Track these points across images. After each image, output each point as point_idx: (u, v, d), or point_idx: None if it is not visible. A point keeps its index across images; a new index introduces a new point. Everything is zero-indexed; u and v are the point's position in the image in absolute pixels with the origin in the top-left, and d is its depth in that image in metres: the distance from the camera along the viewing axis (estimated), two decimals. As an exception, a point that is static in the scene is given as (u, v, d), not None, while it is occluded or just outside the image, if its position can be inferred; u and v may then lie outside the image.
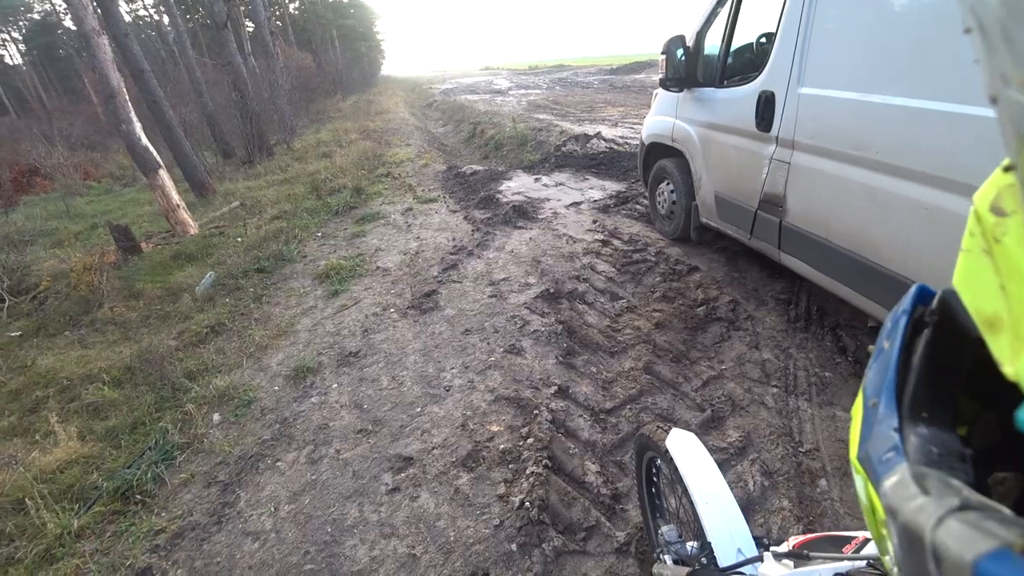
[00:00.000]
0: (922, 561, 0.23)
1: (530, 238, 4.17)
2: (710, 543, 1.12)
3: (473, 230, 4.44)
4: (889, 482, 0.28)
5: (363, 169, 7.01)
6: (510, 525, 1.89)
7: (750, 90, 2.97)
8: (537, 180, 5.81)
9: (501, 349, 2.81)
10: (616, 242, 4.09)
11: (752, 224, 3.07)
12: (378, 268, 4.00)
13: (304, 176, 7.20)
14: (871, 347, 0.40)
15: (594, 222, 4.49)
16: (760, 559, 0.94)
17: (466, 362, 2.76)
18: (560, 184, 5.68)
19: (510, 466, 2.11)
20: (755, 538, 1.14)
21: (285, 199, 6.28)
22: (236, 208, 6.45)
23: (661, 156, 4.06)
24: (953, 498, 0.24)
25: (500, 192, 5.36)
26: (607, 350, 2.81)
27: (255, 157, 8.91)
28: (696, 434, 2.15)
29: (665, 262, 3.74)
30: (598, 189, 5.49)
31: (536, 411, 2.34)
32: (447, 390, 2.58)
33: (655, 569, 1.34)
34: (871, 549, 0.75)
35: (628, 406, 2.41)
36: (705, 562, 1.17)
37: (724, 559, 1.09)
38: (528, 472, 2.04)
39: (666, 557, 1.36)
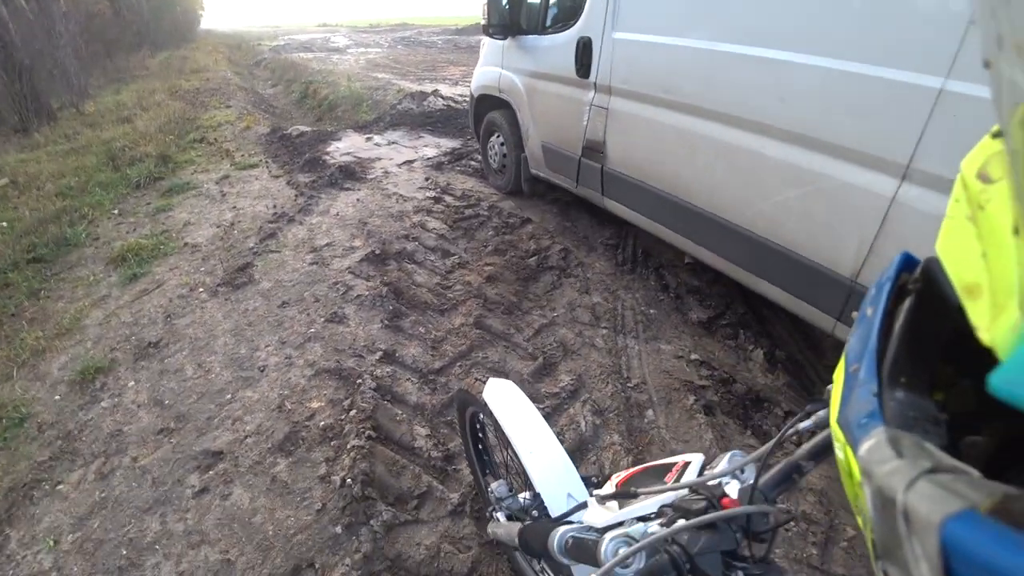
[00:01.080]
0: (893, 522, 0.23)
1: (357, 199, 3.84)
2: (539, 494, 1.05)
3: (296, 195, 3.98)
4: (866, 445, 0.28)
5: (172, 135, 5.96)
6: (333, 507, 1.72)
7: (570, 36, 2.90)
8: (369, 139, 5.39)
9: (322, 319, 2.55)
10: (448, 198, 3.93)
11: (577, 172, 3.09)
12: (186, 245, 3.43)
13: (97, 144, 5.95)
14: (854, 313, 0.38)
15: (426, 179, 4.27)
16: (585, 505, 0.88)
17: (283, 337, 2.46)
18: (393, 143, 5.32)
19: (332, 443, 1.92)
20: (584, 479, 1.08)
21: (72, 172, 5.14)
22: (5, 187, 5.16)
23: (491, 108, 3.92)
24: (925, 461, 0.24)
25: (328, 153, 4.88)
26: (436, 308, 2.68)
27: (31, 124, 7.16)
28: (514, 381, 2.12)
29: (498, 216, 3.67)
30: (433, 147, 5.23)
31: (359, 380, 2.16)
32: (261, 371, 2.28)
33: (489, 528, 1.26)
34: (690, 474, 0.73)
35: (458, 363, 2.32)
36: (536, 515, 1.11)
37: (555, 508, 1.03)
38: (349, 447, 1.87)
39: (499, 515, 1.28)
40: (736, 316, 2.68)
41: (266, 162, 4.85)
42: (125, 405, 2.20)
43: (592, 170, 2.96)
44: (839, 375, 0.37)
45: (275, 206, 3.83)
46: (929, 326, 0.33)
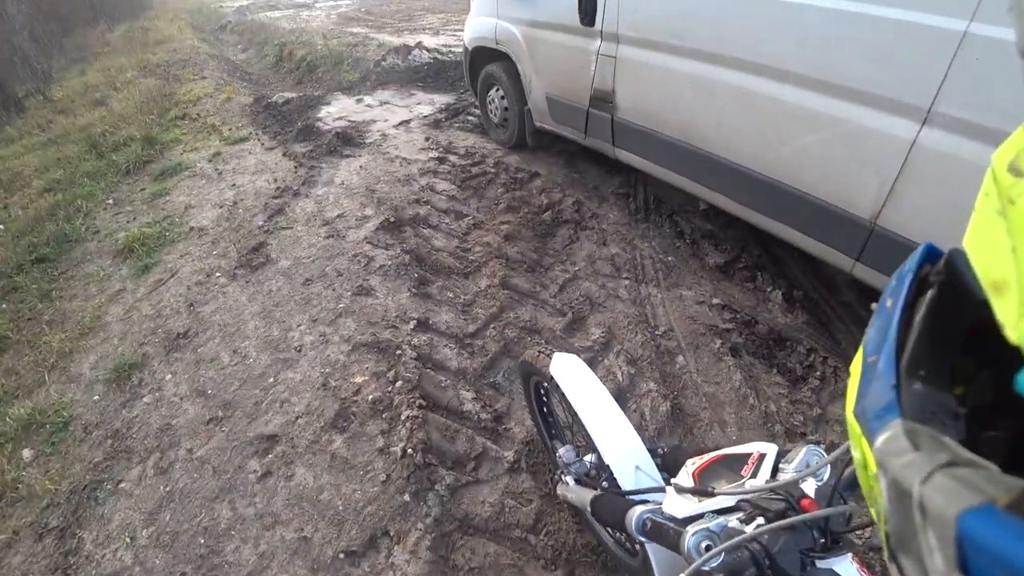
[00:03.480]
0: (909, 515, 0.23)
1: (360, 166, 3.70)
2: (608, 466, 1.07)
3: (296, 166, 3.84)
4: (882, 437, 0.28)
5: (152, 114, 5.67)
6: (397, 476, 1.75)
7: None
8: (359, 101, 5.15)
9: (349, 293, 2.50)
10: (452, 158, 3.79)
11: (585, 123, 2.98)
12: (192, 229, 3.33)
13: (75, 132, 5.68)
14: (874, 304, 0.38)
15: (427, 140, 4.10)
16: (662, 490, 0.90)
17: (313, 315, 2.42)
18: (385, 103, 5.09)
19: (384, 415, 1.93)
20: (650, 451, 1.11)
21: (56, 165, 4.93)
22: (-11, 187, 4.96)
23: (487, 61, 3.73)
24: (942, 454, 0.24)
25: (320, 120, 4.67)
26: (460, 272, 2.64)
27: (0, 117, 6.83)
28: (547, 338, 2.12)
29: (505, 172, 3.57)
30: (426, 104, 5.01)
31: (399, 351, 2.15)
32: (298, 351, 2.26)
33: (559, 490, 1.30)
34: (766, 467, 0.74)
35: (492, 325, 2.31)
36: (607, 486, 1.13)
37: (624, 481, 1.05)
38: (404, 417, 1.88)
39: (567, 478, 1.32)
40: (752, 259, 2.68)
41: (256, 134, 4.65)
42: (167, 399, 2.19)
43: (602, 120, 2.85)
44: (856, 366, 0.36)
45: (276, 180, 3.69)
46: (950, 319, 0.33)
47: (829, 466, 0.64)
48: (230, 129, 4.89)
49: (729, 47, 2.07)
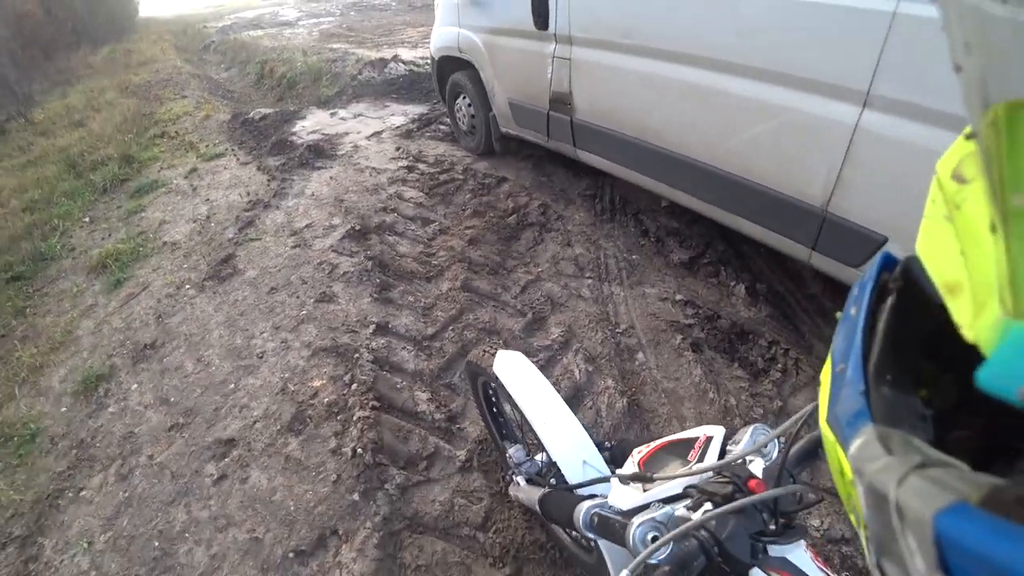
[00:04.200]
0: (888, 518, 0.23)
1: (331, 177, 3.76)
2: (555, 462, 1.07)
3: (268, 180, 3.89)
4: (856, 444, 0.28)
5: (130, 133, 5.73)
6: (347, 476, 1.78)
7: None
8: (334, 115, 5.23)
9: (312, 300, 2.55)
10: (422, 166, 3.86)
11: (547, 126, 3.04)
12: (165, 244, 3.37)
13: (55, 153, 5.73)
14: (838, 313, 0.39)
15: (397, 149, 4.17)
16: (607, 480, 0.88)
17: (276, 322, 2.47)
18: (359, 115, 5.16)
19: (338, 417, 1.97)
20: (597, 444, 1.10)
21: (34, 185, 4.97)
22: (-32, 208, 4.98)
23: (453, 69, 3.79)
24: (915, 456, 0.24)
25: (294, 134, 4.73)
26: (423, 276, 2.69)
27: (-18, 141, 6.86)
28: (505, 339, 2.16)
29: (473, 178, 3.63)
30: (400, 115, 5.09)
31: (356, 354, 2.19)
32: (260, 357, 2.30)
33: (511, 491, 1.30)
34: (713, 450, 0.72)
35: (451, 327, 2.35)
36: (555, 482, 1.13)
37: (572, 476, 1.04)
38: (356, 418, 1.92)
39: (518, 478, 1.31)
40: (717, 254, 2.71)
41: (232, 150, 4.71)
42: (132, 408, 2.22)
43: (561, 123, 2.91)
44: (826, 375, 0.37)
45: (249, 193, 3.75)
46: (911, 324, 0.33)
47: (777, 445, 0.63)
48: (207, 146, 4.95)
49: (675, 42, 2.11)
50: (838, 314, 0.41)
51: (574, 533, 1.43)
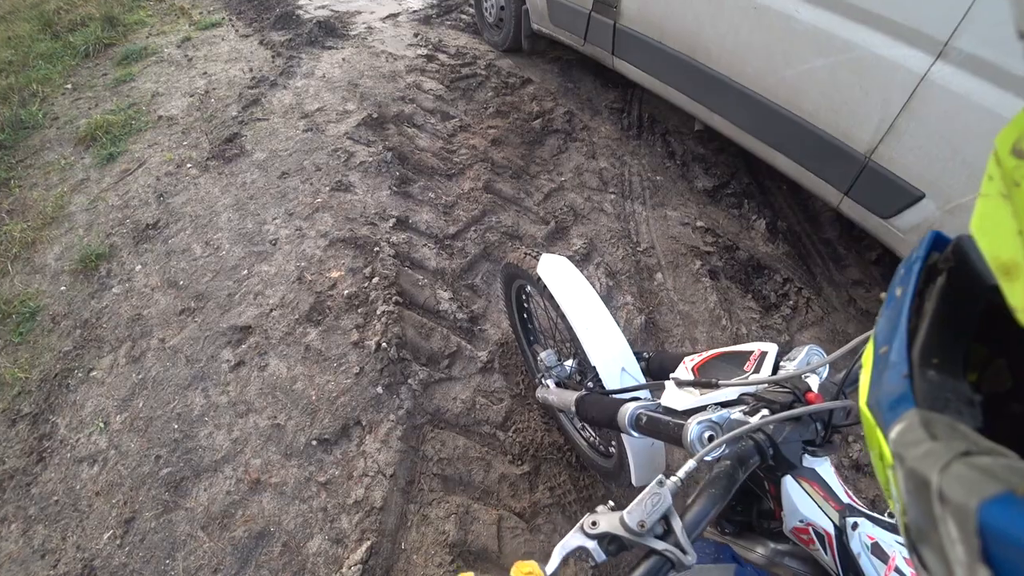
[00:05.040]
0: (928, 505, 0.22)
1: (343, 59, 3.41)
2: (595, 367, 1.05)
3: (273, 56, 3.53)
4: (897, 428, 0.27)
5: (112, -8, 5.16)
6: (371, 369, 1.73)
7: None
8: (342, -12, 4.70)
9: (327, 188, 2.37)
10: (442, 56, 3.51)
11: (586, 28, 2.74)
12: (160, 118, 3.09)
13: (25, 8, 5.13)
14: (883, 294, 0.38)
15: (415, 36, 3.77)
16: (660, 387, 0.86)
17: (289, 209, 2.30)
18: (371, -9, 4.66)
19: (359, 310, 1.88)
20: (636, 354, 1.09)
21: (4, 44, 4.49)
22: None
23: None
24: (960, 443, 0.23)
25: (300, 7, 4.25)
26: (444, 173, 2.50)
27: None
28: (529, 244, 2.05)
29: (496, 75, 3.33)
30: (416, -5, 4.60)
31: (377, 248, 2.06)
32: (273, 244, 2.16)
33: (539, 394, 1.28)
34: (767, 365, 0.72)
35: (472, 228, 2.22)
36: (592, 386, 1.11)
37: (610, 382, 1.03)
38: (379, 312, 1.83)
39: (548, 381, 1.30)
40: (741, 186, 2.59)
41: (230, 19, 4.25)
42: (138, 289, 2.11)
43: (603, 26, 2.61)
44: (868, 357, 0.35)
45: (252, 69, 3.40)
46: (961, 306, 0.32)
47: (828, 366, 0.65)
48: (201, 13, 4.46)
49: None
50: (882, 295, 0.39)
51: (593, 439, 1.44)
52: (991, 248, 0.27)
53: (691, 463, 0.55)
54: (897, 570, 0.59)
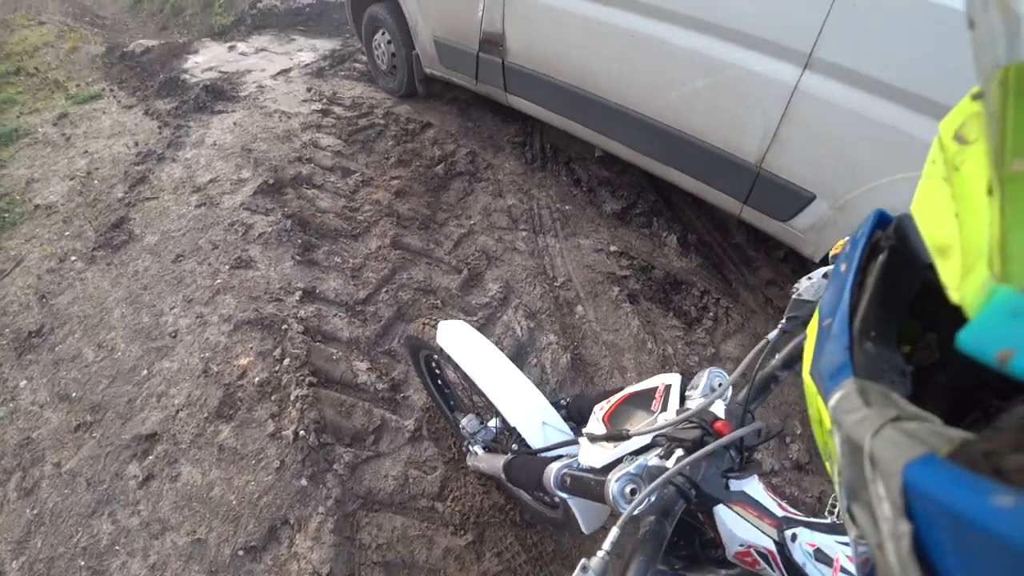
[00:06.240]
0: (861, 467, 0.24)
1: (234, 123, 3.25)
2: (515, 428, 1.02)
3: (160, 127, 3.32)
4: (836, 395, 0.28)
5: (-26, 70, 4.72)
6: (292, 461, 1.63)
7: None
8: (232, 49, 4.51)
9: (227, 267, 2.24)
10: (338, 109, 3.43)
11: (476, 68, 2.76)
12: (38, 207, 2.83)
13: None
14: (829, 268, 0.42)
15: (309, 90, 3.66)
16: (575, 442, 0.85)
17: (188, 295, 2.15)
18: (262, 50, 4.48)
19: (272, 397, 1.78)
20: (553, 404, 1.06)
21: None
22: None
23: (371, 1, 3.31)
24: (891, 409, 0.25)
25: (187, 71, 4.04)
26: (348, 234, 2.43)
27: None
28: (442, 297, 2.02)
29: (395, 123, 3.29)
30: (308, 50, 4.47)
31: (285, 326, 1.96)
32: (173, 336, 2.01)
33: (469, 461, 1.24)
34: (673, 397, 0.72)
35: (384, 289, 2.16)
36: (517, 448, 1.08)
37: (533, 439, 1.00)
38: (293, 397, 1.74)
39: (475, 448, 1.26)
40: (648, 204, 2.67)
41: (111, 90, 3.98)
42: (24, 409, 1.90)
43: (492, 65, 2.64)
44: (812, 329, 0.37)
45: (137, 143, 3.19)
46: (900, 283, 0.34)
47: (731, 386, 0.64)
48: (78, 85, 4.16)
49: None
50: (829, 269, 0.42)
51: (538, 492, 1.42)
52: (929, 228, 0.28)
53: (614, 531, 0.53)
54: (843, 570, 0.59)
